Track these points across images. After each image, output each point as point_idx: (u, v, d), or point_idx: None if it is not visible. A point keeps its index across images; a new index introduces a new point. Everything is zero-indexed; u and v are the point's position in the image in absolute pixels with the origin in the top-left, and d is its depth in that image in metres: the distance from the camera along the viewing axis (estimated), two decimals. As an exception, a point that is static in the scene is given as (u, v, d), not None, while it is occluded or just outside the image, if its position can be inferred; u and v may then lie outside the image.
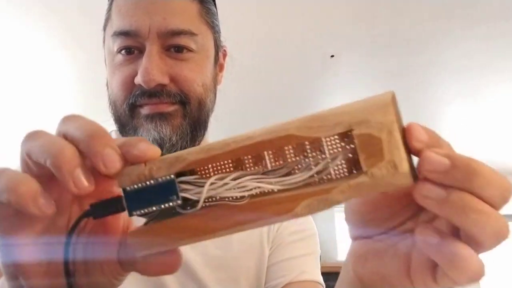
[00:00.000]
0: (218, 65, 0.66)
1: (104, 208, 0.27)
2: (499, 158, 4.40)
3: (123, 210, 0.26)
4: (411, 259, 0.26)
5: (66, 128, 0.26)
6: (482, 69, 2.71)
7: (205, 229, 0.25)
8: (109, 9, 0.57)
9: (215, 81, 0.63)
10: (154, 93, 0.52)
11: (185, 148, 0.55)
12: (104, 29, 0.59)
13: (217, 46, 0.64)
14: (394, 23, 2.26)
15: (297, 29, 2.32)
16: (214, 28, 0.61)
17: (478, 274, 0.22)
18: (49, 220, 0.27)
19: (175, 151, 0.54)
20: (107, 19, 0.57)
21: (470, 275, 0.22)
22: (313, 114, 0.24)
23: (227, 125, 4.05)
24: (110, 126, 0.65)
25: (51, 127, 0.28)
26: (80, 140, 0.25)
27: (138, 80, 0.52)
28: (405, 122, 0.27)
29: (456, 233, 0.23)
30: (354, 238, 0.31)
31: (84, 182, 0.24)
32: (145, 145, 0.25)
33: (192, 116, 0.56)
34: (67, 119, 0.27)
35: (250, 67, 2.72)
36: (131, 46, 0.53)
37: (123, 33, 0.53)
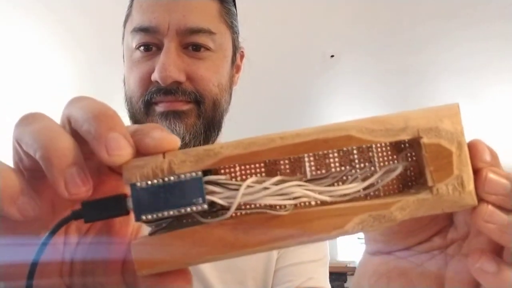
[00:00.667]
0: (235, 66, 0.65)
1: (101, 208, 0.20)
2: (499, 158, 4.41)
3: (127, 212, 0.20)
4: (444, 280, 0.24)
5: (69, 111, 0.22)
6: (482, 69, 2.72)
7: (233, 244, 0.20)
8: (130, 6, 0.58)
9: (231, 82, 0.63)
10: (170, 90, 0.52)
11: (195, 143, 0.56)
12: (124, 25, 0.59)
13: (235, 46, 0.63)
14: (394, 23, 2.26)
15: (297, 29, 2.33)
16: (233, 29, 0.61)
17: None
18: (41, 221, 0.22)
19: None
20: (128, 15, 0.58)
21: None
22: (373, 117, 0.21)
23: (227, 124, 4.02)
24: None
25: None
26: (82, 122, 0.20)
27: (155, 76, 0.52)
28: None
29: (497, 251, 0.22)
30: (373, 253, 0.28)
31: (77, 184, 0.19)
32: (160, 133, 0.20)
33: (207, 116, 0.56)
34: (74, 100, 0.22)
35: (250, 67, 2.72)
36: (150, 43, 0.53)
37: (142, 29, 0.53)
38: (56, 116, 0.25)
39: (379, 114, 0.22)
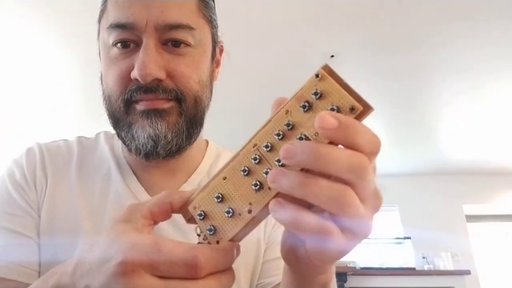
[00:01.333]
0: (215, 61, 0.63)
1: None
2: (499, 158, 4.41)
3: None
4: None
5: None
6: (482, 69, 2.71)
7: None
8: (105, 1, 0.56)
9: (211, 77, 0.61)
10: (150, 88, 0.51)
11: (180, 145, 0.54)
12: (99, 21, 0.57)
13: (214, 41, 0.61)
14: (394, 23, 2.26)
15: (297, 29, 2.32)
16: (212, 23, 0.59)
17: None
18: None
19: (169, 149, 0.53)
20: (103, 10, 0.56)
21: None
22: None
23: (228, 124, 4.05)
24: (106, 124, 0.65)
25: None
26: None
27: (134, 74, 0.50)
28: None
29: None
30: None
31: None
32: None
33: (188, 113, 0.55)
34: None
35: (250, 67, 2.72)
36: (127, 39, 0.52)
37: (119, 26, 0.51)
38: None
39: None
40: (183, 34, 0.53)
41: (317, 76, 0.29)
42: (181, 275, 0.27)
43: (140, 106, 0.52)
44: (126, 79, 0.52)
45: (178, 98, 0.53)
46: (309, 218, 0.26)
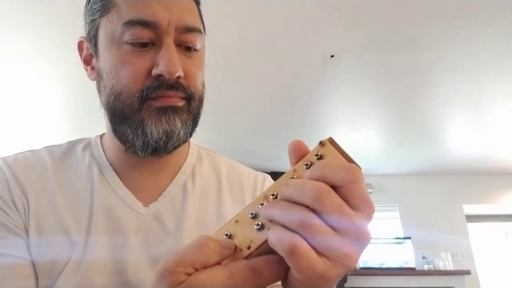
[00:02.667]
0: None
1: None
2: (499, 158, 4.41)
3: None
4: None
5: None
6: (482, 70, 2.72)
7: None
8: None
9: None
10: (173, 85, 0.53)
11: (184, 141, 0.57)
12: (101, 16, 0.56)
13: None
14: (394, 23, 2.26)
15: (297, 29, 2.33)
16: (204, 28, 0.62)
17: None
18: None
19: (178, 145, 0.55)
20: (108, 4, 0.55)
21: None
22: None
23: (228, 124, 4.04)
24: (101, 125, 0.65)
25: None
26: None
27: (160, 70, 0.52)
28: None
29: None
30: None
31: None
32: None
33: (194, 112, 0.57)
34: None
35: (250, 67, 2.72)
36: (145, 37, 0.52)
37: (140, 23, 0.52)
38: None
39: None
40: (195, 38, 0.55)
41: (320, 143, 0.35)
42: None
43: (157, 103, 0.53)
44: (144, 76, 0.53)
45: (189, 97, 0.55)
46: (287, 235, 0.29)
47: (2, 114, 3.27)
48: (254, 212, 0.35)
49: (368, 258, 4.38)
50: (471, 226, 4.84)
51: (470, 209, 4.90)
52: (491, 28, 2.29)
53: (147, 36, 0.52)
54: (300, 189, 0.30)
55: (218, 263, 0.33)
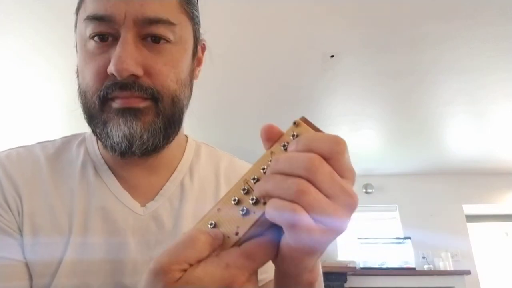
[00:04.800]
0: (196, 59, 0.60)
1: None
2: (499, 158, 4.41)
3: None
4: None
5: None
6: (482, 70, 2.72)
7: None
8: None
9: (192, 76, 0.59)
10: (126, 84, 0.49)
11: (157, 145, 0.53)
12: (77, 12, 0.54)
13: (196, 38, 0.58)
14: (394, 23, 2.26)
15: (297, 30, 2.33)
16: (194, 20, 0.57)
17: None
18: None
19: (145, 149, 0.52)
20: (81, 2, 0.54)
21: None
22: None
23: (228, 124, 4.04)
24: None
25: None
26: None
27: (110, 69, 0.48)
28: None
29: None
30: None
31: None
32: None
33: (166, 113, 0.53)
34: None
35: (250, 67, 2.72)
36: (105, 32, 0.49)
37: (96, 18, 0.49)
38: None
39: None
40: (163, 30, 0.51)
41: (294, 123, 0.35)
42: None
43: (115, 104, 0.50)
44: (103, 74, 0.50)
45: (155, 97, 0.51)
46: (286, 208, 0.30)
47: (2, 113, 3.27)
48: (236, 198, 0.35)
49: (368, 258, 4.38)
50: (471, 226, 4.84)
51: (470, 209, 4.90)
52: (491, 28, 2.29)
53: (106, 31, 0.49)
54: (292, 162, 0.31)
55: (211, 255, 0.33)
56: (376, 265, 4.35)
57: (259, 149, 0.37)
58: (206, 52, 0.64)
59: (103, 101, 0.50)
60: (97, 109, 0.51)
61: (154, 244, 0.55)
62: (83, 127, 0.62)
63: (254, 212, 0.33)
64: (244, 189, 0.35)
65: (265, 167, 0.35)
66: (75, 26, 0.55)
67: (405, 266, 4.36)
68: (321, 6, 2.12)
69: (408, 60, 2.61)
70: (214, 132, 3.54)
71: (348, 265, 4.07)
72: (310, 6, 2.12)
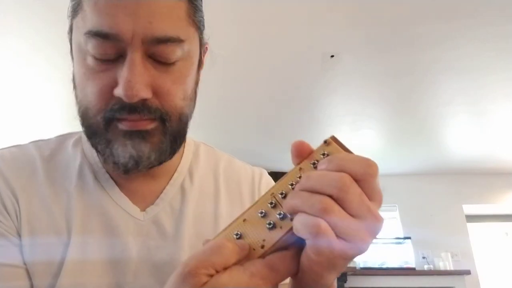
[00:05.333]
0: (199, 63, 0.58)
1: None
2: (499, 158, 4.41)
3: None
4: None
5: None
6: (482, 70, 2.72)
7: None
8: None
9: (196, 85, 0.57)
10: (135, 108, 0.46)
11: (163, 161, 0.53)
12: (72, 17, 0.50)
13: (201, 46, 0.56)
14: (394, 23, 2.26)
15: (297, 30, 2.33)
16: (200, 28, 0.54)
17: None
18: None
19: (151, 166, 0.52)
20: (76, 6, 0.48)
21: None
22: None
23: (228, 124, 4.04)
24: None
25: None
26: None
27: (119, 93, 0.45)
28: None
29: None
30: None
31: None
32: None
33: (172, 131, 0.51)
34: None
35: (251, 67, 2.72)
36: (108, 52, 0.46)
37: (100, 35, 0.45)
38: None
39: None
40: (172, 48, 0.47)
41: (325, 142, 0.36)
42: None
43: (122, 126, 0.48)
44: (107, 95, 0.47)
45: (162, 118, 0.49)
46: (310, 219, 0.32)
47: (2, 113, 3.27)
48: (263, 211, 0.36)
49: (368, 258, 4.38)
50: (471, 226, 4.84)
51: (470, 209, 4.90)
52: (491, 28, 2.29)
53: (110, 51, 0.45)
54: (323, 180, 0.32)
55: (236, 264, 0.34)
56: (376, 265, 4.35)
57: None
58: (207, 53, 0.62)
59: (108, 122, 0.48)
60: (101, 128, 0.49)
61: (155, 249, 0.55)
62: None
63: (281, 227, 0.34)
64: (271, 203, 0.36)
65: (294, 183, 0.36)
66: (70, 30, 0.51)
67: (405, 266, 4.36)
68: (321, 6, 2.12)
69: (408, 60, 2.61)
70: (214, 132, 3.54)
71: (348, 265, 4.07)
72: (310, 6, 2.12)
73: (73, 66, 0.52)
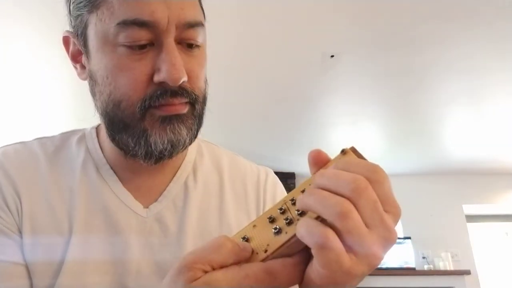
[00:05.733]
0: None
1: None
2: (499, 158, 4.41)
3: None
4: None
5: None
6: (482, 70, 2.71)
7: None
8: None
9: None
10: (176, 92, 0.48)
11: (190, 144, 0.54)
12: (90, 11, 0.49)
13: None
14: (394, 23, 2.26)
15: (297, 29, 2.32)
16: (204, 15, 0.56)
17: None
18: None
19: (182, 151, 0.53)
20: (96, 0, 0.49)
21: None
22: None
23: (228, 124, 4.02)
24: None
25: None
26: None
27: (163, 77, 0.47)
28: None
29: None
30: None
31: None
32: None
33: (199, 114, 0.54)
34: None
35: (251, 67, 2.72)
36: (144, 39, 0.47)
37: (137, 23, 0.46)
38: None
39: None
40: (197, 33, 0.50)
41: (342, 151, 0.36)
42: None
43: (160, 112, 0.49)
44: (145, 83, 0.48)
45: (193, 101, 0.51)
46: (318, 228, 0.29)
47: (2, 113, 3.27)
48: (272, 216, 0.35)
49: (368, 258, 4.37)
50: (471, 226, 4.84)
51: (470, 209, 4.90)
52: (491, 27, 2.29)
53: (145, 38, 0.47)
54: (337, 179, 0.30)
55: (235, 264, 0.33)
56: (376, 265, 4.34)
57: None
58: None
59: (144, 110, 0.49)
60: (137, 118, 0.49)
61: (158, 246, 0.54)
62: (81, 126, 0.61)
63: (286, 232, 0.33)
64: (281, 209, 0.35)
65: (305, 189, 0.35)
66: (84, 26, 0.50)
67: (405, 266, 4.36)
68: (321, 6, 2.12)
69: (408, 60, 2.61)
70: (213, 132, 3.53)
71: (348, 265, 4.07)
72: (310, 6, 2.12)
73: (90, 62, 0.51)
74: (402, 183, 4.89)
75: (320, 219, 0.30)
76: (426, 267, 4.30)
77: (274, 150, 4.06)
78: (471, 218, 5.00)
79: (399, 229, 4.72)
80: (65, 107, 3.18)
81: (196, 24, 0.50)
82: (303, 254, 0.33)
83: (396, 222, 0.31)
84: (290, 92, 3.04)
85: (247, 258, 0.34)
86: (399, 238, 4.58)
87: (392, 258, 4.41)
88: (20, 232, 0.51)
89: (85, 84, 0.55)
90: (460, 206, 4.77)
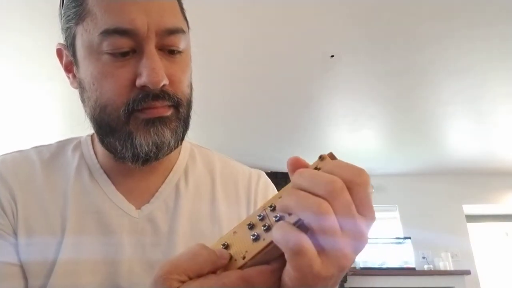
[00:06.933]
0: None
1: None
2: (499, 158, 4.41)
3: None
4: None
5: None
6: (482, 70, 2.72)
7: None
8: (83, 2, 0.52)
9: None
10: (158, 95, 0.50)
11: (176, 148, 0.55)
12: (77, 23, 0.52)
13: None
14: (394, 23, 2.26)
15: (297, 30, 2.33)
16: (188, 24, 0.58)
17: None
18: None
19: (169, 152, 0.54)
20: (82, 11, 0.52)
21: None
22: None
23: (228, 125, 4.03)
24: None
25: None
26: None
27: (144, 81, 0.49)
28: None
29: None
30: None
31: None
32: None
33: (184, 117, 0.55)
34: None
35: (251, 67, 2.72)
36: (125, 46, 0.49)
37: (118, 31, 0.48)
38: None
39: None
40: (178, 39, 0.52)
41: (320, 157, 0.35)
42: None
43: (144, 115, 0.51)
44: (128, 88, 0.50)
45: (176, 104, 0.53)
46: (292, 234, 0.29)
47: (2, 114, 3.27)
48: (251, 223, 0.35)
49: (368, 258, 4.38)
50: (471, 226, 4.84)
51: (470, 209, 4.90)
52: (491, 28, 2.29)
53: (127, 45, 0.49)
54: (314, 180, 0.30)
55: (213, 272, 0.33)
56: (376, 265, 4.35)
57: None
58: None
59: (128, 114, 0.51)
60: (122, 121, 0.51)
61: (149, 246, 0.56)
62: (83, 129, 0.62)
63: (264, 239, 0.33)
64: (260, 215, 0.35)
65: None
66: (72, 37, 0.53)
67: (405, 266, 4.37)
68: (322, 6, 2.12)
69: (408, 59, 2.61)
70: (213, 132, 3.54)
71: (348, 265, 4.07)
72: (310, 6, 2.12)
73: (79, 71, 0.54)
74: (402, 183, 4.90)
75: (297, 225, 0.30)
76: (426, 267, 4.31)
77: (274, 150, 4.07)
78: (471, 218, 5.00)
79: (399, 229, 4.73)
80: (64, 107, 3.18)
81: (176, 31, 0.52)
82: (281, 260, 0.33)
83: (369, 226, 0.31)
84: (290, 92, 3.04)
85: (224, 265, 0.34)
86: (399, 238, 4.58)
87: (392, 258, 4.41)
88: (15, 234, 0.53)
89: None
90: (460, 206, 4.77)
